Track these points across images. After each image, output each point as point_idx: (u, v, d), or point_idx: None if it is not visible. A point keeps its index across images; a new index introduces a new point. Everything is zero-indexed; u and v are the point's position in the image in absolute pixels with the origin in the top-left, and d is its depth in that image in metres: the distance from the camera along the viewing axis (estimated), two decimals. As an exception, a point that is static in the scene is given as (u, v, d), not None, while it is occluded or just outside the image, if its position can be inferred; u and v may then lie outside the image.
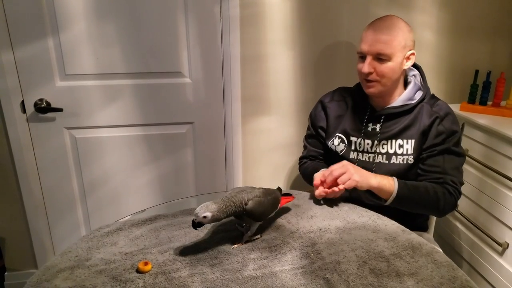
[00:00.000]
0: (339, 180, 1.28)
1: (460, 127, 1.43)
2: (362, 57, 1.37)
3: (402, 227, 1.20)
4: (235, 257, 1.06)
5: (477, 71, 1.85)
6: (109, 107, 1.83)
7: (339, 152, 1.49)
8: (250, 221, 1.12)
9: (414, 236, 1.16)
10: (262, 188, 1.17)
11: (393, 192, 1.33)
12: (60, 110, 1.78)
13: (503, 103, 1.87)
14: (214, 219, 1.03)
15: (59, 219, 1.96)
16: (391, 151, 1.42)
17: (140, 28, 1.75)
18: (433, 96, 1.44)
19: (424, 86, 1.44)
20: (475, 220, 1.77)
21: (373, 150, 1.44)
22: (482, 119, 1.74)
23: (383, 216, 1.26)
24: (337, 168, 1.29)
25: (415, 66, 1.48)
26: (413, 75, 1.46)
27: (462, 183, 1.39)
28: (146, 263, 1.02)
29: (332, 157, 1.53)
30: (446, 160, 1.37)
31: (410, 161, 1.40)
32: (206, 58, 1.84)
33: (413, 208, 1.38)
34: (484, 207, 1.72)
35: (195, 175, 2.01)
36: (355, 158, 1.46)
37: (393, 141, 1.41)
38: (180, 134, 1.94)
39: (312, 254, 1.07)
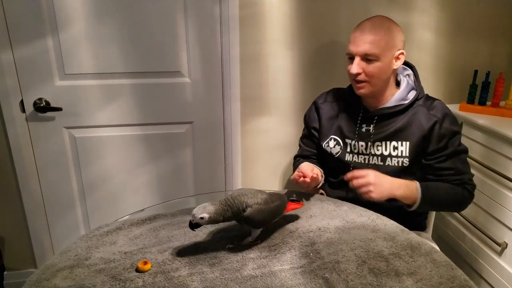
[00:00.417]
0: (358, 190, 1.27)
1: (458, 125, 1.44)
2: (351, 58, 1.37)
3: (401, 227, 1.21)
4: (235, 256, 1.07)
5: (476, 71, 1.85)
6: (109, 106, 1.83)
7: (334, 154, 1.49)
8: (248, 227, 1.10)
9: (413, 236, 1.16)
10: (268, 193, 1.14)
11: (416, 200, 1.33)
12: (59, 109, 1.78)
13: (502, 103, 1.87)
14: (211, 221, 1.02)
15: (59, 218, 1.96)
16: (385, 153, 1.41)
17: (139, 27, 1.75)
18: (428, 97, 1.43)
19: (417, 86, 1.44)
20: (474, 220, 1.78)
21: (367, 152, 1.44)
22: (481, 119, 1.74)
23: (382, 216, 1.26)
24: (359, 179, 1.26)
25: (408, 65, 1.48)
26: (407, 74, 1.46)
27: (473, 175, 1.43)
28: (145, 263, 1.02)
29: (327, 159, 1.53)
30: (456, 161, 1.39)
31: (405, 163, 1.40)
32: (206, 58, 1.84)
33: (435, 209, 1.42)
34: (483, 207, 1.73)
35: (194, 175, 2.01)
36: (351, 160, 1.46)
37: (388, 142, 1.41)
38: (180, 134, 1.94)
39: (311, 254, 1.07)
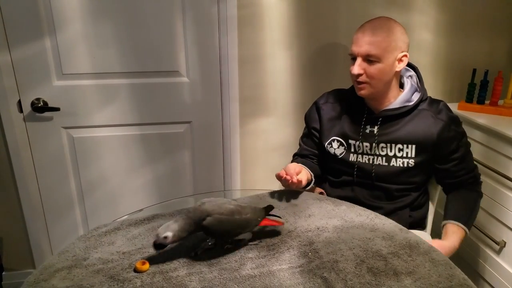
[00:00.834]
0: None
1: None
2: (353, 58, 1.36)
3: (400, 226, 1.21)
4: (233, 256, 1.06)
5: (474, 70, 1.85)
6: (107, 106, 1.83)
7: (338, 155, 1.48)
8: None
9: (411, 235, 1.16)
10: (240, 205, 1.06)
11: (467, 232, 1.40)
12: (57, 109, 1.78)
13: (500, 102, 1.87)
14: (176, 239, 0.98)
15: (57, 218, 1.96)
16: (390, 154, 1.42)
17: (137, 27, 1.74)
18: (432, 100, 1.44)
19: (421, 87, 1.44)
20: (473, 219, 1.78)
21: (372, 152, 1.44)
22: (480, 118, 1.74)
23: (380, 215, 1.26)
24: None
25: (411, 66, 1.47)
26: (409, 76, 1.46)
27: (476, 165, 1.51)
28: (143, 263, 1.01)
29: (329, 160, 1.53)
30: (468, 159, 1.46)
31: (411, 164, 1.40)
32: (204, 58, 1.84)
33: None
34: (482, 206, 1.72)
35: (192, 175, 2.01)
36: (355, 160, 1.46)
37: (392, 145, 1.41)
38: (178, 134, 1.94)
39: (309, 253, 1.07)
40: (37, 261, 2.00)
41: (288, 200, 1.34)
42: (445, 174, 1.46)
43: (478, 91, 1.86)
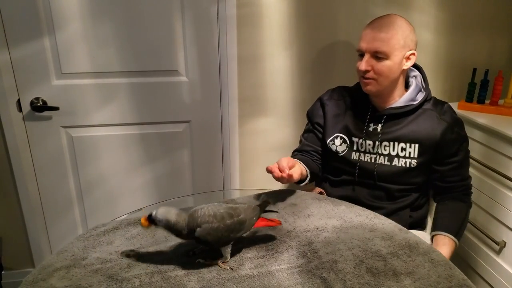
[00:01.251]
0: None
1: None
2: (361, 55, 1.36)
3: (399, 226, 1.20)
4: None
5: (475, 70, 1.85)
6: (106, 105, 1.83)
7: (340, 152, 1.48)
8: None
9: (411, 235, 1.15)
10: (231, 206, 1.02)
11: (457, 244, 1.38)
12: (56, 108, 1.78)
13: (501, 101, 1.87)
14: (166, 224, 0.95)
15: (56, 218, 1.96)
16: (393, 153, 1.41)
17: (136, 26, 1.74)
18: (436, 100, 1.44)
19: (425, 87, 1.43)
20: (473, 219, 1.77)
21: (374, 151, 1.43)
22: (480, 118, 1.74)
23: (380, 215, 1.26)
24: None
25: (416, 67, 1.47)
26: (414, 76, 1.45)
27: (471, 178, 1.50)
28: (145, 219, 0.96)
29: (329, 157, 1.53)
30: (464, 167, 1.45)
31: (413, 164, 1.40)
32: (203, 57, 1.83)
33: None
34: (482, 206, 1.72)
35: (192, 174, 2.01)
36: (357, 158, 1.46)
37: (396, 143, 1.41)
38: (177, 133, 1.93)
39: (308, 253, 1.07)
40: (36, 260, 2.00)
41: (287, 200, 1.34)
42: (439, 176, 1.44)
43: (478, 90, 1.85)
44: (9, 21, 1.65)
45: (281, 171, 1.26)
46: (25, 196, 1.88)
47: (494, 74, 1.90)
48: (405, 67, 1.36)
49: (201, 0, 1.75)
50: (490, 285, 1.71)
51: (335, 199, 1.36)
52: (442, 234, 1.36)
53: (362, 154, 1.45)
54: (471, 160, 1.75)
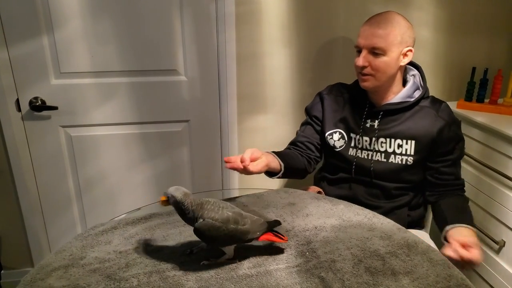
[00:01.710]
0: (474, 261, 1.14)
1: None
2: (359, 51, 1.37)
3: (398, 225, 1.20)
4: (235, 259, 1.06)
5: (474, 69, 1.85)
6: (105, 105, 1.83)
7: (337, 147, 1.48)
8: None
9: (409, 235, 1.15)
10: (241, 213, 1.01)
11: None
12: (55, 108, 1.77)
13: (500, 100, 1.86)
14: (174, 201, 0.98)
15: (55, 217, 1.96)
16: (389, 150, 1.41)
17: (135, 25, 1.74)
18: (434, 99, 1.44)
19: (423, 86, 1.44)
20: (472, 218, 1.77)
21: (371, 148, 1.44)
22: (479, 117, 1.74)
23: (378, 215, 1.26)
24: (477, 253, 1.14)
25: (414, 66, 1.48)
26: (413, 75, 1.45)
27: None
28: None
29: (327, 154, 1.53)
30: (458, 166, 1.44)
31: (409, 162, 1.40)
32: (202, 56, 1.83)
33: None
34: (481, 205, 1.72)
35: (191, 174, 2.01)
36: (354, 155, 1.46)
37: (392, 140, 1.41)
38: (176, 132, 1.93)
39: (307, 253, 1.07)
40: (35, 259, 2.00)
41: (286, 199, 1.34)
42: (433, 173, 1.43)
43: (478, 89, 1.85)
44: (7, 19, 1.65)
45: (242, 161, 1.20)
46: (24, 195, 1.88)
47: (493, 73, 1.90)
48: (402, 64, 1.37)
49: (200, -1, 1.75)
50: (489, 284, 1.71)
51: (333, 198, 1.36)
52: (462, 226, 1.27)
53: (359, 151, 1.46)
54: (470, 159, 1.75)
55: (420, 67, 1.48)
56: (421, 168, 1.43)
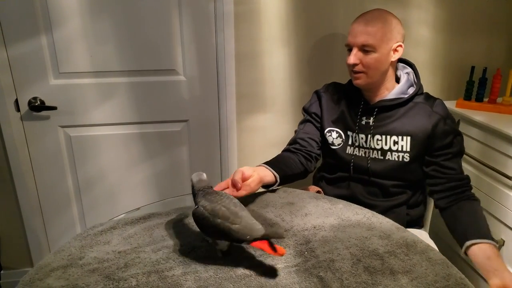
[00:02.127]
0: None
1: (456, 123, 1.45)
2: (350, 49, 1.38)
3: (397, 225, 1.20)
4: (229, 255, 1.06)
5: (473, 68, 1.85)
6: (104, 105, 1.83)
7: (336, 145, 1.48)
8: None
9: (408, 234, 1.15)
10: (237, 212, 0.99)
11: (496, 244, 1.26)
12: (54, 108, 1.77)
13: (499, 99, 1.86)
14: (191, 184, 1.08)
15: (55, 217, 1.96)
16: (385, 147, 1.42)
17: (134, 25, 1.74)
18: (428, 95, 1.44)
19: (417, 83, 1.44)
20: (471, 217, 1.77)
21: (367, 145, 1.44)
22: (478, 116, 1.74)
23: (377, 214, 1.26)
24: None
25: (408, 64, 1.48)
26: (407, 72, 1.46)
27: None
28: None
29: (326, 152, 1.54)
30: (459, 161, 1.41)
31: (406, 159, 1.40)
32: (201, 56, 1.83)
33: None
34: (481, 204, 1.72)
35: (190, 173, 2.01)
36: (351, 153, 1.47)
37: (388, 137, 1.41)
38: (175, 132, 1.93)
39: (306, 252, 1.07)
40: (35, 259, 2.00)
41: (284, 199, 1.34)
42: (430, 167, 1.40)
43: (477, 88, 1.85)
44: (6, 19, 1.64)
45: (234, 185, 1.20)
46: (24, 195, 1.88)
47: (492, 72, 1.90)
48: (393, 59, 1.38)
49: (199, -1, 1.75)
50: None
51: (332, 197, 1.36)
52: (486, 243, 1.22)
53: (356, 149, 1.46)
54: (470, 159, 1.75)
55: (414, 64, 1.48)
56: (419, 165, 1.43)
